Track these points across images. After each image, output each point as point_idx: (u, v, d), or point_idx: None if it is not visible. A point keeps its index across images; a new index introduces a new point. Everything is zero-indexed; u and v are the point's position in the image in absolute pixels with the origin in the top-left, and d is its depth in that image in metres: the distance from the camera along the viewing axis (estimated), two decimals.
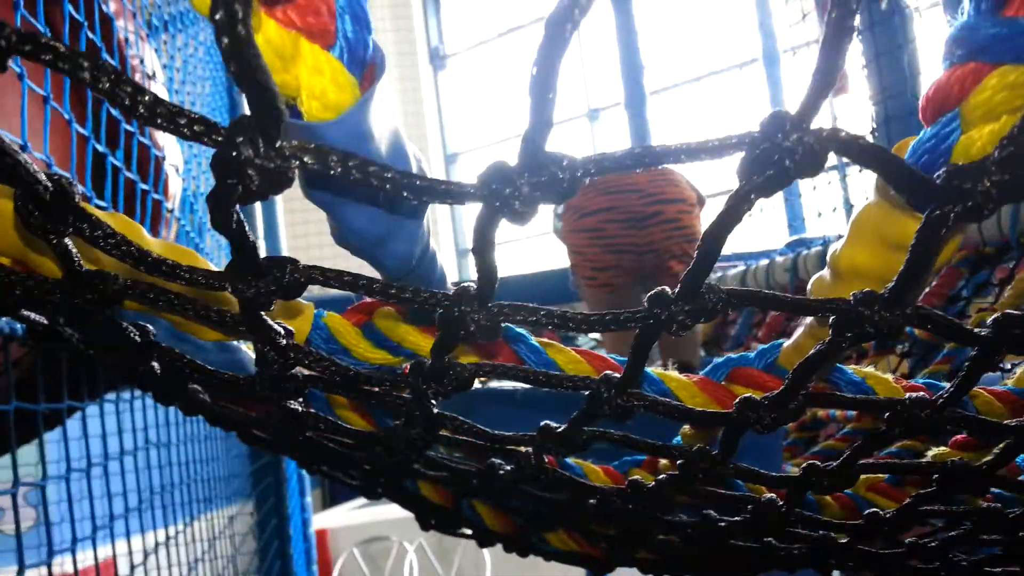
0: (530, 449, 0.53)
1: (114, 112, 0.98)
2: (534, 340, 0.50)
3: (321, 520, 3.37)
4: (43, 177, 0.27)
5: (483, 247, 0.30)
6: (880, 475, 0.74)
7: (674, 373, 0.54)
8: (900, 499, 0.71)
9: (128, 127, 1.02)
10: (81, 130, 0.89)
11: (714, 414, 0.45)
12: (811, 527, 0.60)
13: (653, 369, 0.54)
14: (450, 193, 0.27)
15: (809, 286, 0.47)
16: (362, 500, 3.55)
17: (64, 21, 0.86)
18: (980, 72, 0.31)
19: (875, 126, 1.56)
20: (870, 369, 0.54)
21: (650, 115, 2.83)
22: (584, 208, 1.62)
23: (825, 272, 0.45)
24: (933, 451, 0.68)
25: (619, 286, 1.66)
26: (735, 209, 0.30)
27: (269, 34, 0.25)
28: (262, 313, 0.34)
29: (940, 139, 0.34)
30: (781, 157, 0.27)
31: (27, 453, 1.06)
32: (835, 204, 1.91)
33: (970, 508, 0.59)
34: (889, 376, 0.54)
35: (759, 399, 0.43)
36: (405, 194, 0.26)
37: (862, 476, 0.66)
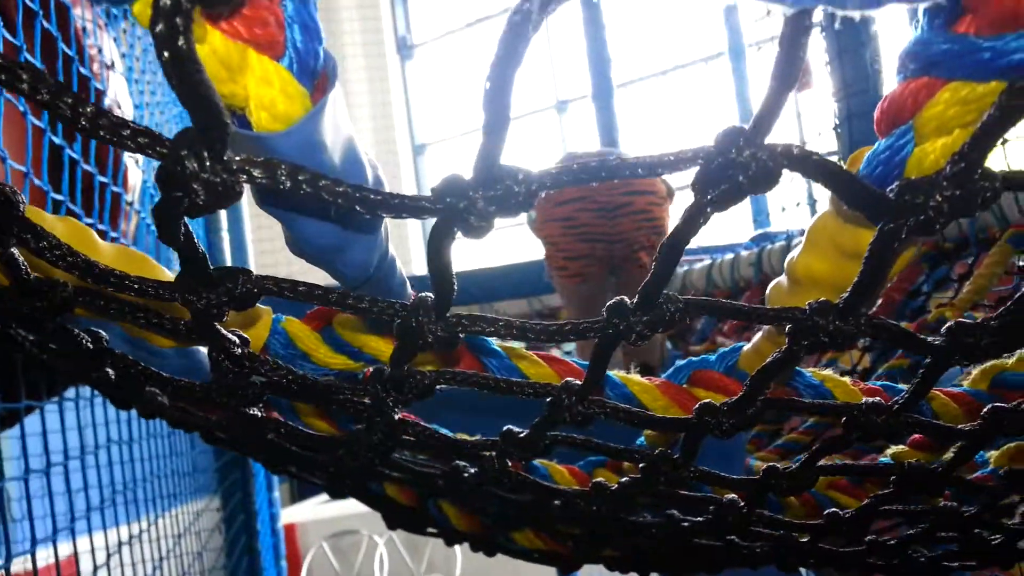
0: (493, 453, 0.53)
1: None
2: (495, 345, 0.49)
3: (289, 514, 3.35)
4: None
5: (439, 260, 0.29)
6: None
7: (636, 376, 0.54)
8: (861, 497, 0.72)
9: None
10: (36, 122, 0.87)
11: (674, 420, 0.45)
12: (772, 527, 0.60)
13: (616, 372, 0.54)
14: (404, 207, 0.27)
15: (768, 291, 0.47)
16: None
17: (18, 8, 0.84)
18: (933, 86, 0.31)
19: (838, 122, 1.57)
20: (829, 372, 0.55)
21: (617, 107, 2.84)
22: (557, 198, 1.65)
23: (783, 278, 0.45)
24: (892, 450, 0.69)
25: (590, 276, 1.70)
26: (691, 222, 0.30)
27: (215, 45, 0.25)
28: (215, 323, 0.34)
29: (894, 151, 0.34)
30: (735, 172, 0.27)
31: None
32: (799, 199, 1.93)
33: (927, 507, 0.60)
34: (847, 379, 0.54)
35: (718, 405, 0.44)
36: (358, 208, 0.26)
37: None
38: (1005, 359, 0.63)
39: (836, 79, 1.56)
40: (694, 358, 0.56)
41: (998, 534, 0.64)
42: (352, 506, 3.34)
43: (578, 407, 0.42)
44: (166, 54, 0.19)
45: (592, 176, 0.29)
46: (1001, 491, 0.55)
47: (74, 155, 0.95)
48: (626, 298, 0.35)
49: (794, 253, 0.43)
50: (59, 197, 0.89)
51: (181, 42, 0.19)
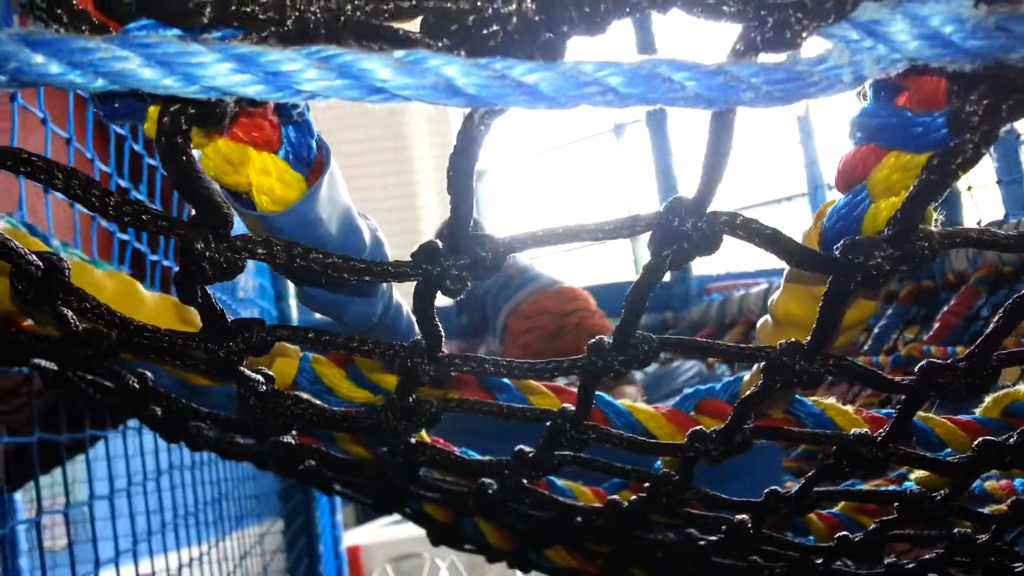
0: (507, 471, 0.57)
1: (136, 147, 1.03)
2: (507, 380, 0.53)
3: (354, 537, 3.41)
4: (34, 258, 0.32)
5: (424, 314, 0.34)
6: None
7: (642, 405, 0.57)
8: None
9: (151, 161, 1.08)
10: (104, 167, 0.95)
11: (666, 445, 0.48)
12: (783, 548, 0.62)
13: (623, 402, 0.57)
14: (388, 273, 0.31)
15: (757, 326, 0.50)
16: (395, 516, 3.58)
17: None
18: (880, 152, 0.34)
19: None
20: (831, 400, 0.57)
21: (672, 131, 2.86)
22: (516, 331, 1.99)
23: (768, 317, 0.48)
24: (915, 474, 0.71)
25: None
26: (649, 276, 0.34)
27: (218, 146, 0.29)
28: (238, 367, 0.38)
29: (852, 207, 0.37)
30: (679, 239, 0.31)
31: (58, 474, 1.12)
32: None
33: (940, 533, 0.61)
34: (849, 408, 0.57)
35: (707, 432, 0.47)
36: (347, 276, 0.30)
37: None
38: (1018, 389, 0.64)
39: None
40: (701, 387, 0.59)
41: (1019, 562, 0.64)
42: (415, 529, 3.37)
43: (572, 432, 0.45)
44: (169, 166, 0.24)
45: (556, 240, 0.32)
46: (1007, 521, 0.56)
47: (139, 196, 1.02)
48: (605, 337, 0.39)
49: (775, 295, 0.46)
50: (124, 238, 0.96)
51: (183, 157, 0.24)
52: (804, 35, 0.26)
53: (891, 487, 0.76)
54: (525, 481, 0.59)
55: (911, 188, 0.30)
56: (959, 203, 1.65)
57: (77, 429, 0.87)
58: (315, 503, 2.30)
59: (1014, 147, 1.67)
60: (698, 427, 0.47)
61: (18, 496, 1.33)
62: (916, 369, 0.41)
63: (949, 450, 0.59)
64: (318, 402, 0.45)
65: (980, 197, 1.63)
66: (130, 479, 1.08)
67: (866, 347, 1.59)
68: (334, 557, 2.55)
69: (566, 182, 5.33)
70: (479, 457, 0.56)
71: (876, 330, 1.61)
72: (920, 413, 0.61)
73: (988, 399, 0.64)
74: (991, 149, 1.69)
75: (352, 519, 4.10)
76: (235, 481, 1.73)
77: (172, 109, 0.23)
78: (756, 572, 0.73)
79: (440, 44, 0.24)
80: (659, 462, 0.69)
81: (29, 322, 0.44)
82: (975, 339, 1.38)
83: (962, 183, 1.63)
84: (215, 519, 1.54)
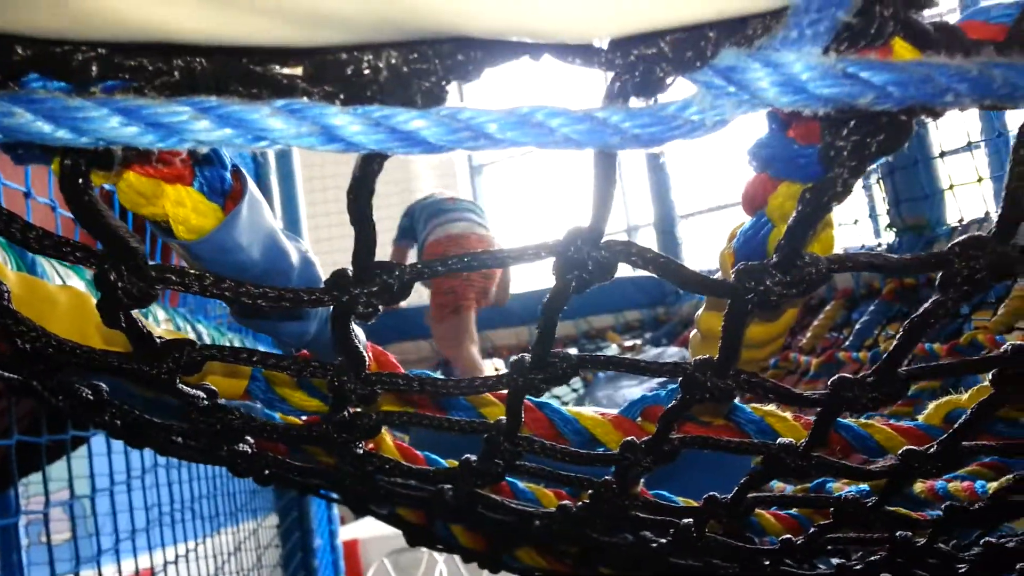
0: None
1: None
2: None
3: (352, 530, 3.43)
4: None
5: (342, 338, 0.35)
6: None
7: (590, 411, 0.59)
8: None
9: None
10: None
11: (598, 455, 0.50)
12: (730, 550, 0.64)
13: (569, 409, 0.59)
14: (301, 300, 0.33)
15: (690, 339, 0.51)
16: None
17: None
18: (775, 180, 0.36)
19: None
20: (771, 408, 0.59)
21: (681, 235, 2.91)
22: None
23: (696, 331, 0.49)
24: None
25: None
26: (555, 299, 0.36)
27: (130, 181, 0.31)
28: (174, 384, 0.40)
29: (757, 229, 0.39)
30: (578, 267, 0.32)
31: (59, 469, 1.15)
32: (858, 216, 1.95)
33: (880, 535, 0.63)
34: (788, 415, 0.58)
35: (638, 443, 0.48)
36: (260, 303, 0.32)
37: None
38: (960, 395, 0.66)
39: None
40: (648, 394, 0.61)
41: (961, 564, 0.66)
42: None
43: (505, 444, 0.47)
44: (73, 205, 0.26)
45: (462, 267, 0.34)
46: (942, 524, 0.58)
47: None
48: (526, 355, 0.41)
49: (700, 311, 0.48)
50: None
51: (84, 197, 0.26)
52: (669, 81, 0.27)
53: (847, 491, 0.78)
54: (479, 488, 0.61)
55: (790, 218, 0.32)
56: (942, 202, 1.65)
57: (59, 431, 0.90)
58: (310, 498, 2.32)
59: (1004, 143, 1.67)
60: (629, 438, 0.49)
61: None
62: (828, 384, 0.43)
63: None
64: (261, 417, 0.47)
65: (965, 195, 1.64)
66: (113, 478, 1.10)
67: (847, 343, 1.60)
68: (331, 551, 2.57)
69: (563, 176, 5.35)
70: (428, 467, 0.58)
71: (858, 326, 1.62)
72: (861, 420, 0.63)
73: (931, 406, 0.66)
74: (983, 145, 1.69)
75: (351, 513, 4.13)
76: (227, 476, 1.75)
77: (68, 156, 0.25)
78: (713, 572, 0.75)
79: (319, 92, 0.25)
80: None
81: None
82: (953, 336, 1.39)
83: (944, 181, 1.64)
84: (210, 515, 1.57)
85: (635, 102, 0.28)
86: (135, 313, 0.34)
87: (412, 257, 2.59)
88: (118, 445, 1.18)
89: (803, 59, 0.26)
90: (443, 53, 0.26)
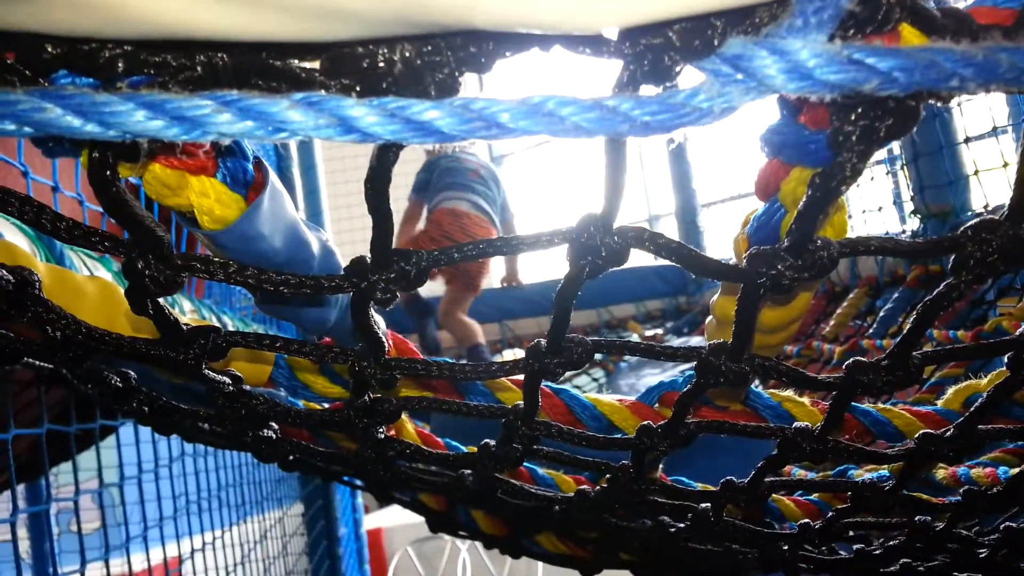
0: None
1: None
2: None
3: (376, 519, 3.47)
4: (4, 273, 0.35)
5: (363, 324, 0.36)
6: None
7: (608, 398, 0.60)
8: None
9: None
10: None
11: (615, 439, 0.50)
12: (749, 535, 0.64)
13: (588, 396, 0.60)
14: (321, 287, 0.34)
15: (705, 325, 0.52)
16: None
17: None
18: (787, 166, 0.36)
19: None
20: (788, 393, 0.59)
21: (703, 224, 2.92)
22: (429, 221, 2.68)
23: (712, 316, 0.50)
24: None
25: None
26: (569, 285, 0.36)
27: (156, 172, 0.32)
28: (201, 370, 0.41)
29: (770, 215, 0.39)
30: (591, 253, 0.33)
31: (88, 459, 1.18)
32: (883, 203, 1.93)
33: (899, 520, 0.63)
34: (806, 400, 0.58)
35: (655, 427, 0.49)
36: (282, 290, 0.33)
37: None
38: (979, 381, 0.66)
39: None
40: (665, 380, 0.62)
41: (982, 549, 0.66)
42: None
43: (522, 428, 0.48)
44: (101, 197, 0.27)
45: (479, 254, 0.35)
46: (960, 509, 0.58)
47: None
48: (542, 340, 0.41)
49: (715, 296, 0.48)
50: None
51: (112, 189, 0.27)
52: (678, 69, 0.28)
53: (866, 476, 0.78)
54: (498, 473, 0.62)
55: (800, 203, 0.32)
56: (967, 188, 1.64)
57: (88, 420, 0.92)
58: (334, 486, 2.35)
59: None
60: (646, 422, 0.50)
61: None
62: (844, 367, 0.43)
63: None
64: (284, 403, 0.48)
65: (990, 181, 1.62)
66: (141, 467, 1.12)
67: (871, 331, 1.59)
68: (355, 539, 2.60)
69: (582, 165, 5.34)
70: (448, 452, 0.59)
71: (882, 314, 1.61)
72: (880, 406, 0.63)
73: (950, 391, 0.66)
74: (1009, 130, 1.67)
75: (374, 502, 4.17)
76: (254, 465, 1.78)
77: (96, 149, 0.26)
78: (732, 556, 0.75)
79: (336, 84, 0.26)
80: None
81: None
82: (978, 323, 1.38)
83: (969, 167, 1.63)
84: (237, 503, 1.59)
85: (644, 90, 0.28)
86: (162, 301, 0.35)
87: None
88: (146, 434, 1.21)
89: (809, 46, 0.26)
90: (455, 45, 0.26)
